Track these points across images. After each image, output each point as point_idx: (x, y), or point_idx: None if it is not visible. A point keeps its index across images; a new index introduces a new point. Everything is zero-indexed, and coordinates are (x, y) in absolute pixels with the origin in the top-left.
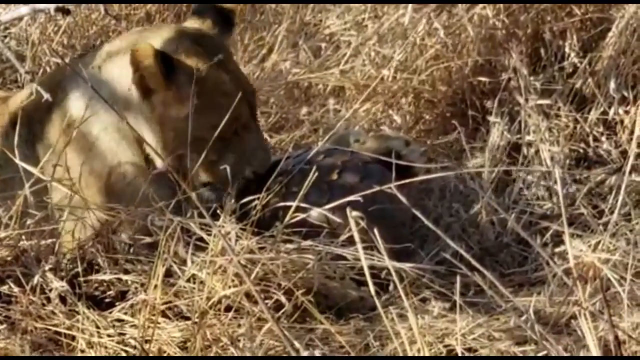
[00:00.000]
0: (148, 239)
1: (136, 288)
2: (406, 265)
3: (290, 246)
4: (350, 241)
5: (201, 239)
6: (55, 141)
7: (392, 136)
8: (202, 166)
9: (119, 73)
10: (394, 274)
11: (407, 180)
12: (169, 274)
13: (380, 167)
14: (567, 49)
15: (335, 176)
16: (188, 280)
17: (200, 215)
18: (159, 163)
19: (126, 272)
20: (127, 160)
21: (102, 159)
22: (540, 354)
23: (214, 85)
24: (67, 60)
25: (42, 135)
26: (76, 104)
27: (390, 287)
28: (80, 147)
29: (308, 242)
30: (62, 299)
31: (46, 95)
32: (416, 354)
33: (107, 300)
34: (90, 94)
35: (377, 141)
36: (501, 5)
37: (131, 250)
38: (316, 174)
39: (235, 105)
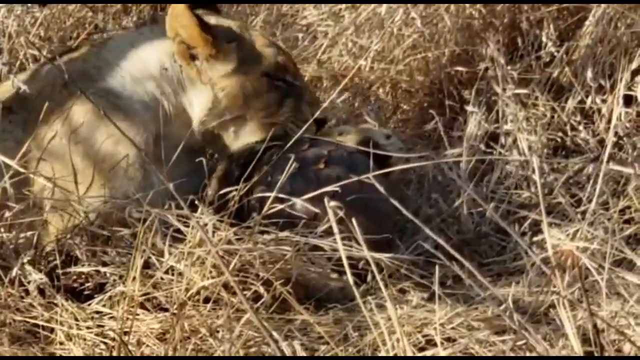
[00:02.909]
0: (126, 231)
1: (114, 280)
2: (384, 256)
3: (268, 237)
4: (330, 232)
5: (179, 231)
6: (54, 142)
7: (374, 129)
8: (256, 124)
9: (151, 54)
10: (372, 264)
11: (386, 170)
12: (147, 265)
13: (365, 157)
14: (544, 38)
15: (322, 165)
16: (166, 272)
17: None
18: (197, 134)
19: (104, 264)
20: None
21: (110, 155)
22: (519, 343)
23: (249, 40)
24: (44, 52)
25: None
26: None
27: (369, 278)
28: (82, 150)
29: (285, 233)
30: (41, 292)
31: (23, 87)
32: (395, 344)
33: (85, 292)
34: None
35: (358, 133)
36: None
37: (110, 242)
38: (296, 163)
39: (278, 54)
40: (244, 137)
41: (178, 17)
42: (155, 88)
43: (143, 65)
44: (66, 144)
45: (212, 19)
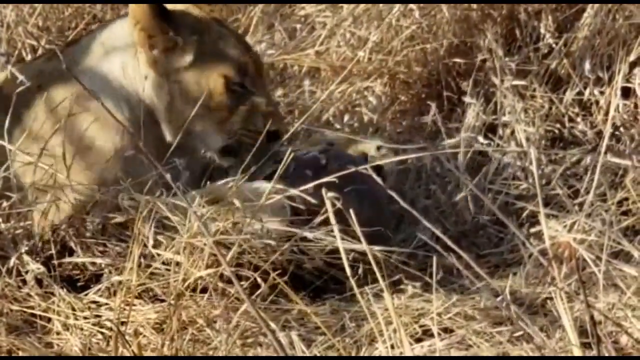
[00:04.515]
0: (120, 218)
1: (110, 271)
2: (382, 250)
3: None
4: (323, 222)
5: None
6: (39, 127)
7: (365, 140)
8: (213, 126)
9: (116, 55)
10: (370, 257)
11: (373, 163)
12: (143, 256)
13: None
14: (542, 30)
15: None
16: (163, 262)
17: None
18: (167, 135)
19: (100, 254)
20: (113, 143)
21: (90, 146)
22: (516, 334)
23: (217, 36)
24: (43, 42)
25: (25, 120)
26: (62, 91)
27: (360, 271)
28: (69, 134)
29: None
30: (38, 282)
31: (21, 77)
32: (392, 335)
33: (82, 282)
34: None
35: (349, 144)
36: None
37: (104, 231)
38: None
39: (241, 57)
40: (208, 141)
41: (138, 6)
42: (125, 92)
43: (110, 67)
44: (56, 141)
45: (180, 6)
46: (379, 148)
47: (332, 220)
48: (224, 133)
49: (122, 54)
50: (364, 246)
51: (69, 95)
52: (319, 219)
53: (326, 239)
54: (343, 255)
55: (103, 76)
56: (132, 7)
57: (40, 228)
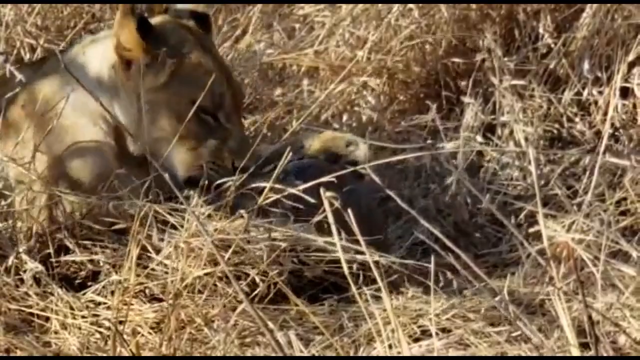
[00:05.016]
0: (121, 225)
1: (108, 269)
2: (382, 259)
3: (263, 231)
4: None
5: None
6: (18, 121)
7: (336, 137)
8: (180, 153)
9: (94, 64)
10: (372, 264)
11: (381, 161)
12: (140, 256)
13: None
14: (541, 30)
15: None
16: (161, 262)
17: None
18: (131, 145)
19: (100, 251)
20: (88, 139)
21: (61, 137)
22: (514, 334)
23: (196, 61)
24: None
25: (5, 114)
26: (46, 86)
27: (361, 280)
28: (42, 127)
29: (283, 229)
30: (36, 280)
31: (20, 76)
32: (390, 335)
33: (80, 280)
34: (64, 79)
35: (319, 143)
36: None
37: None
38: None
39: (219, 88)
40: (173, 167)
41: (121, 15)
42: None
43: (87, 73)
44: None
45: (168, 26)
46: (348, 144)
47: (332, 221)
48: (190, 163)
49: (100, 62)
50: (367, 257)
51: (41, 97)
52: (316, 219)
53: (327, 247)
54: (345, 267)
55: (81, 93)
56: (117, 19)
57: (30, 227)
